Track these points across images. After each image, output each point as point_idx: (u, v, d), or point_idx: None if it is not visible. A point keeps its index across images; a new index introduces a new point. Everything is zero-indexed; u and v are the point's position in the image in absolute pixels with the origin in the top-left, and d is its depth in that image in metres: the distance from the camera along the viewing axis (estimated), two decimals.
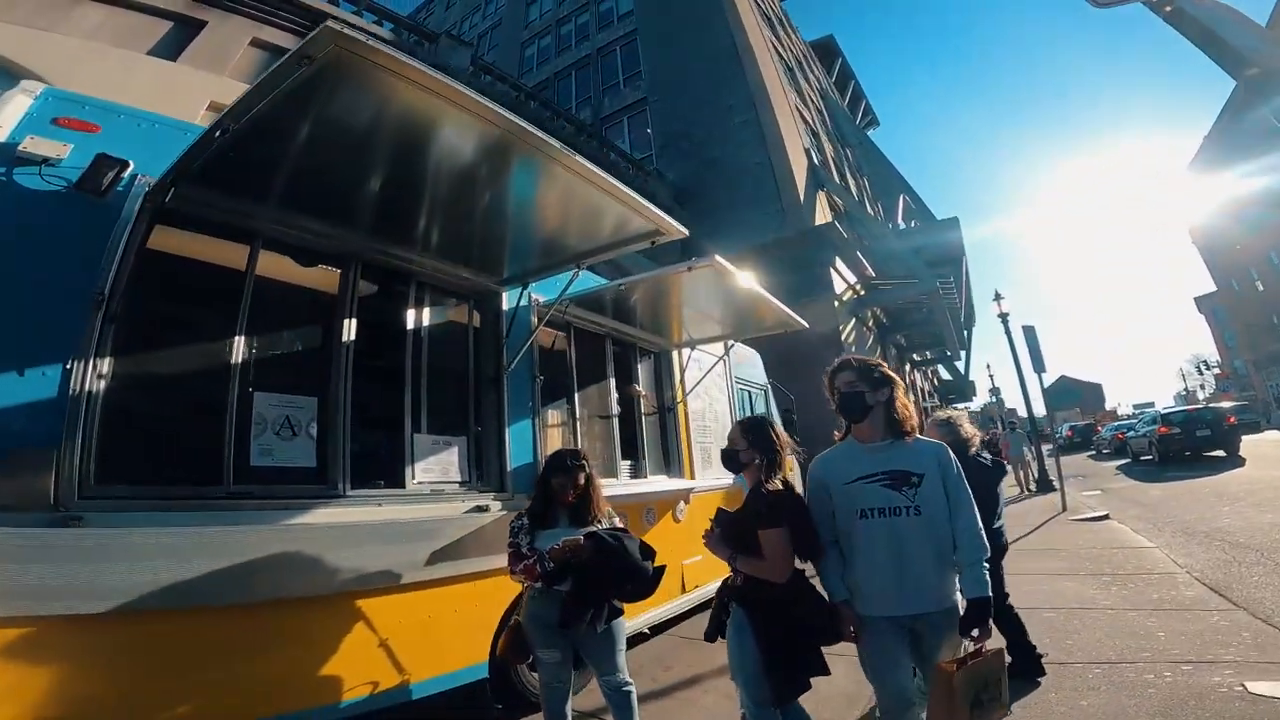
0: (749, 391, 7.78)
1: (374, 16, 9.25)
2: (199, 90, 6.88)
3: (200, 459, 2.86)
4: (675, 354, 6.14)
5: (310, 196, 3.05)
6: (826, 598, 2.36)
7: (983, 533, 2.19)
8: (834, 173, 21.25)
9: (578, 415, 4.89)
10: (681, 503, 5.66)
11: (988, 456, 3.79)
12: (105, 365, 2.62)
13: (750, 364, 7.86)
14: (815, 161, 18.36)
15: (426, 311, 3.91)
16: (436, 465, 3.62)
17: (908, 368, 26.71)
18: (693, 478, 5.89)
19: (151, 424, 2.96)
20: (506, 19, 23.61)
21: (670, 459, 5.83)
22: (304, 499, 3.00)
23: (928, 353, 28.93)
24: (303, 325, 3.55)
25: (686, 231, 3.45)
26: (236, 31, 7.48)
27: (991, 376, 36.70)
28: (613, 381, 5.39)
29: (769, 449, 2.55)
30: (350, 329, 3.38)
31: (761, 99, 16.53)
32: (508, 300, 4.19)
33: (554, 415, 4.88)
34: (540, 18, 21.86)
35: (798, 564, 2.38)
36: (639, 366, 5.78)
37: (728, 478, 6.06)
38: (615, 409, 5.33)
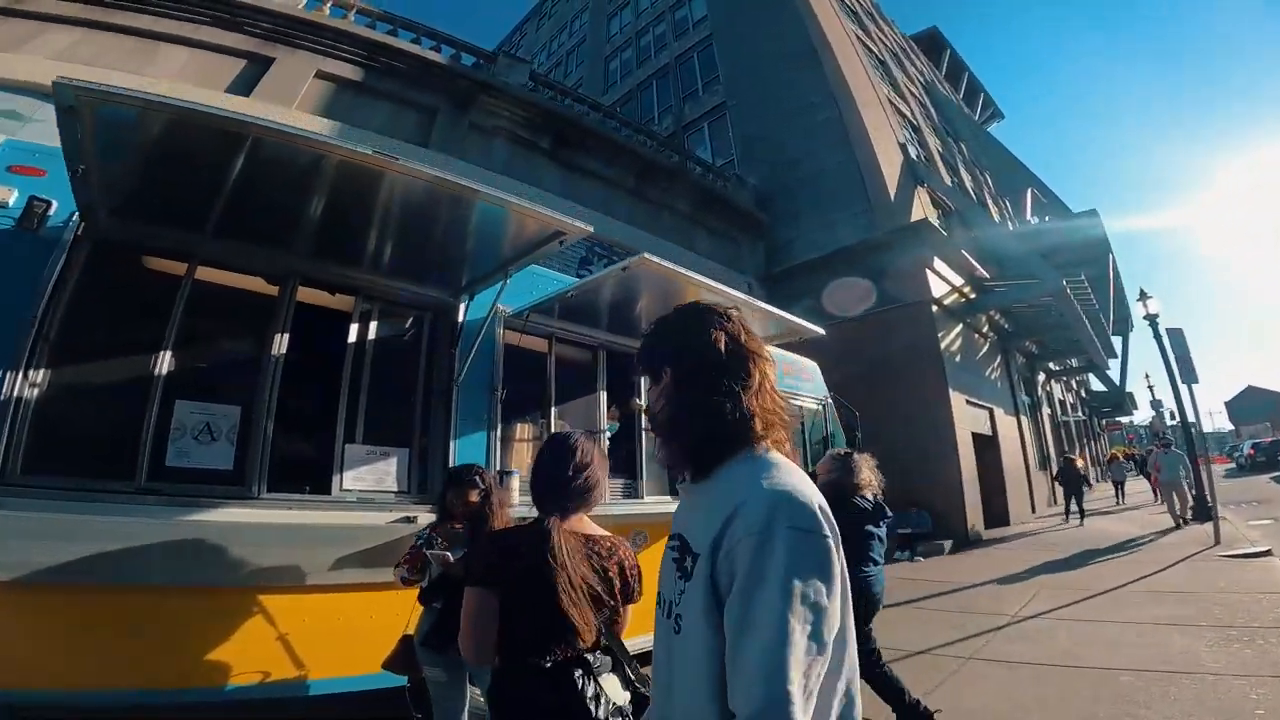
0: (801, 406, 7.03)
1: (431, 43, 9.69)
2: (263, 112, 7.53)
3: (120, 459, 3.06)
4: None
5: (241, 222, 3.30)
6: None
7: (778, 673, 0.95)
8: (940, 168, 19.24)
9: (554, 430, 4.55)
10: None
11: (869, 499, 3.57)
12: (39, 376, 2.96)
13: (802, 376, 7.12)
14: (913, 157, 16.65)
15: (373, 325, 3.93)
16: (370, 475, 3.62)
17: (1041, 379, 23.45)
18: None
19: (76, 427, 3.14)
20: (590, 36, 24.25)
21: (676, 480, 5.30)
22: (213, 498, 3.09)
23: (1070, 361, 25.23)
24: (237, 339, 3.71)
25: (589, 229, 3.29)
26: (302, 66, 8.13)
27: (1151, 388, 31.31)
28: (603, 395, 5.01)
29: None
30: (281, 343, 3.51)
31: (843, 94, 15.33)
32: (467, 311, 4.11)
33: (525, 429, 4.62)
34: (620, 31, 22.15)
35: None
36: (643, 380, 5.34)
37: None
38: (605, 424, 4.94)
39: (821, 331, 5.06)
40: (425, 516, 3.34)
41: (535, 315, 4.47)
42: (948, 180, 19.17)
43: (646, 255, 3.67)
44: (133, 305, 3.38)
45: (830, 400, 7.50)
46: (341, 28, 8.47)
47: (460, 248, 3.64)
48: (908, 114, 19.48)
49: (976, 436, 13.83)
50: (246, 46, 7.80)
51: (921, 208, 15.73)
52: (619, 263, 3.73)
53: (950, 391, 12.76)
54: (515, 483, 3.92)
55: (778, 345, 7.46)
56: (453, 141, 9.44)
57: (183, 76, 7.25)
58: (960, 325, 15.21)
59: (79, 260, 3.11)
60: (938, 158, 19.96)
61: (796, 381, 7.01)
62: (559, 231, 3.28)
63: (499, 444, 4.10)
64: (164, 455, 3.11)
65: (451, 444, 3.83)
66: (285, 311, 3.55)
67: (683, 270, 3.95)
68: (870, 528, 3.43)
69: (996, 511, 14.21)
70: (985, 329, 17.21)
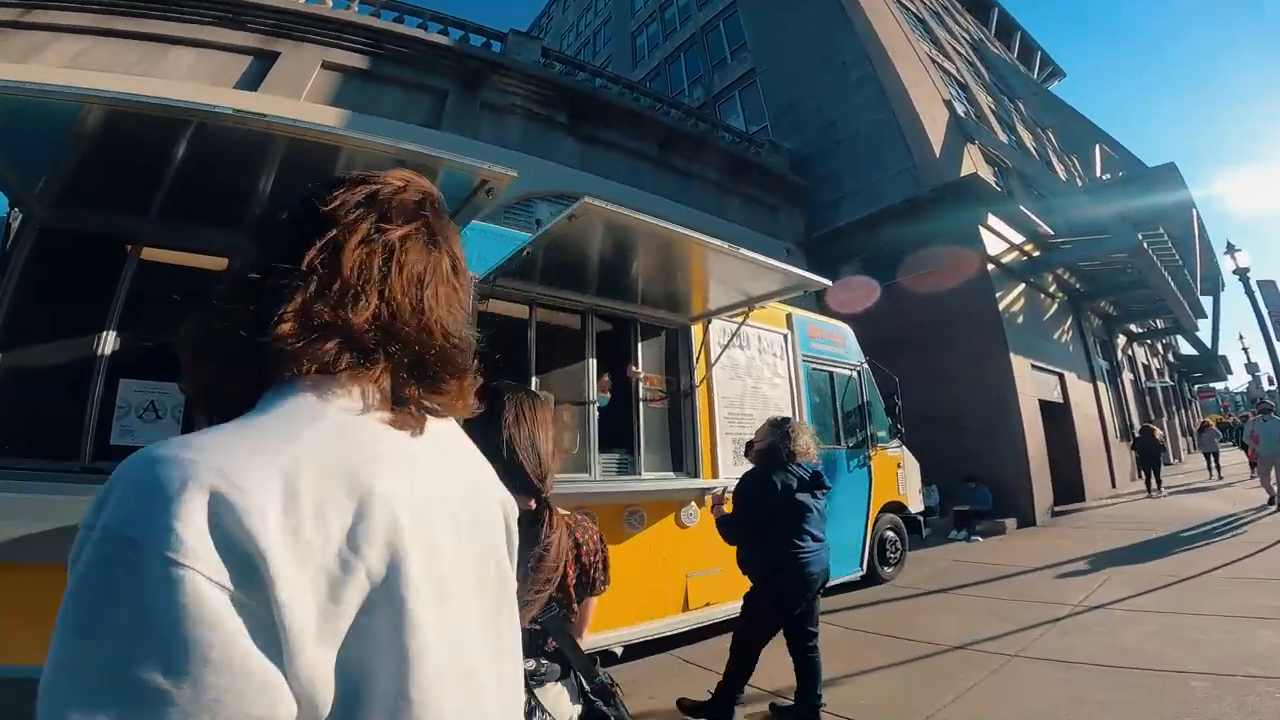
0: (830, 373, 6.43)
1: (439, 26, 9.51)
2: (273, 107, 7.54)
3: (66, 439, 3.00)
4: (697, 329, 5.18)
5: (185, 203, 3.22)
6: None
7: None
8: (994, 126, 17.79)
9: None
10: (693, 505, 4.73)
11: (804, 468, 3.27)
12: None
13: (833, 340, 6.51)
14: (960, 114, 15.39)
15: None
16: None
17: (1122, 342, 21.41)
18: (714, 476, 4.90)
19: (21, 408, 3.05)
20: (615, 14, 23.71)
21: (683, 454, 4.91)
22: None
23: (1154, 322, 22.91)
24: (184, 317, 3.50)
25: (512, 173, 2.94)
26: (308, 58, 8.12)
27: (1246, 350, 28.05)
28: (592, 363, 4.65)
29: None
30: None
31: (876, 52, 14.30)
32: None
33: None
34: (645, 5, 21.52)
35: None
36: (640, 345, 4.95)
37: None
38: (593, 394, 4.58)
39: (827, 283, 4.51)
40: None
41: (511, 281, 4.16)
42: (1002, 137, 17.64)
43: (589, 199, 3.27)
44: (77, 287, 3.28)
45: (866, 366, 6.87)
46: (345, 18, 8.39)
47: None
48: (953, 71, 18.09)
49: (1045, 404, 12.66)
50: (251, 43, 7.83)
51: (972, 164, 14.51)
52: (565, 211, 3.33)
53: (1011, 355, 11.71)
54: None
55: (817, 312, 6.93)
56: (465, 122, 9.26)
57: (191, 76, 7.34)
58: (1022, 285, 13.95)
59: (23, 246, 3.07)
60: (990, 115, 18.46)
61: (827, 346, 6.42)
62: (485, 180, 2.93)
63: None
64: (109, 434, 3.05)
65: None
66: None
67: (634, 214, 3.54)
68: (805, 498, 3.13)
69: (1069, 486, 13.03)
70: (1053, 288, 15.77)
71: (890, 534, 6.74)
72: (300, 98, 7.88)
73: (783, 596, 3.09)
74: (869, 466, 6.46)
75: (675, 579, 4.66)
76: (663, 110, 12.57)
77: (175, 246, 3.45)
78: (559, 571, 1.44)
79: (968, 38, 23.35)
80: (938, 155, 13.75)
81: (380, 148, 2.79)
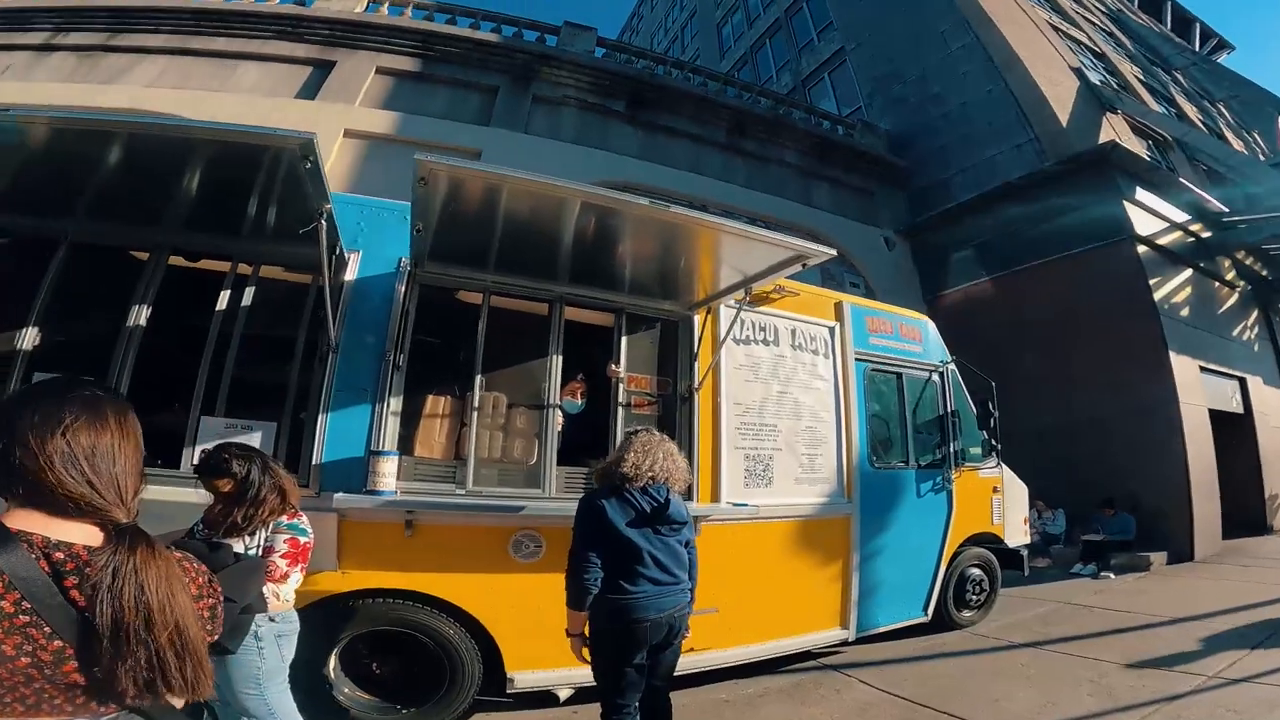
0: (899, 375, 5.10)
1: (491, 25, 9.26)
2: (336, 121, 7.65)
3: None
4: (700, 319, 4.20)
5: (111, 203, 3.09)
6: None
7: None
8: (1142, 96, 14.76)
9: (476, 403, 3.53)
10: None
11: (653, 496, 2.43)
12: None
13: (901, 334, 5.16)
14: (1094, 81, 12.80)
15: (250, 291, 3.35)
16: None
17: None
18: (714, 499, 3.92)
19: None
20: (699, 6, 22.67)
21: None
22: None
23: None
24: (105, 310, 3.28)
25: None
26: (362, 64, 8.16)
27: None
28: (556, 359, 3.80)
29: None
30: (140, 314, 3.19)
31: (978, 18, 12.26)
32: (358, 269, 3.43)
33: (439, 403, 3.62)
34: None
35: None
36: (626, 340, 4.07)
37: (799, 498, 4.23)
38: (554, 396, 3.76)
39: (832, 253, 3.32)
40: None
41: (461, 269, 3.63)
42: (1155, 107, 14.44)
43: (420, 155, 2.51)
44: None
45: (953, 368, 5.40)
46: (396, 24, 8.37)
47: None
48: (1085, 39, 15.28)
49: (1217, 415, 9.96)
50: (310, 54, 7.98)
51: (1113, 134, 11.89)
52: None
53: (1171, 355, 9.27)
54: (388, 465, 2.98)
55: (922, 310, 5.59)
56: (516, 116, 8.89)
57: (257, 90, 7.59)
58: (1188, 272, 11.15)
59: None
60: (1138, 85, 15.29)
61: (895, 342, 5.06)
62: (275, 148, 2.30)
63: (391, 419, 3.24)
64: None
65: (322, 418, 3.14)
66: (147, 284, 3.24)
67: (514, 173, 2.76)
68: (635, 535, 2.35)
69: (1247, 514, 10.34)
70: (1231, 276, 12.54)
71: (976, 571, 5.21)
72: (355, 103, 7.91)
73: (609, 642, 2.36)
74: (949, 490, 5.00)
75: None
76: (732, 93, 11.47)
77: (100, 242, 3.31)
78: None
79: (1103, 8, 19.97)
80: (1064, 125, 11.41)
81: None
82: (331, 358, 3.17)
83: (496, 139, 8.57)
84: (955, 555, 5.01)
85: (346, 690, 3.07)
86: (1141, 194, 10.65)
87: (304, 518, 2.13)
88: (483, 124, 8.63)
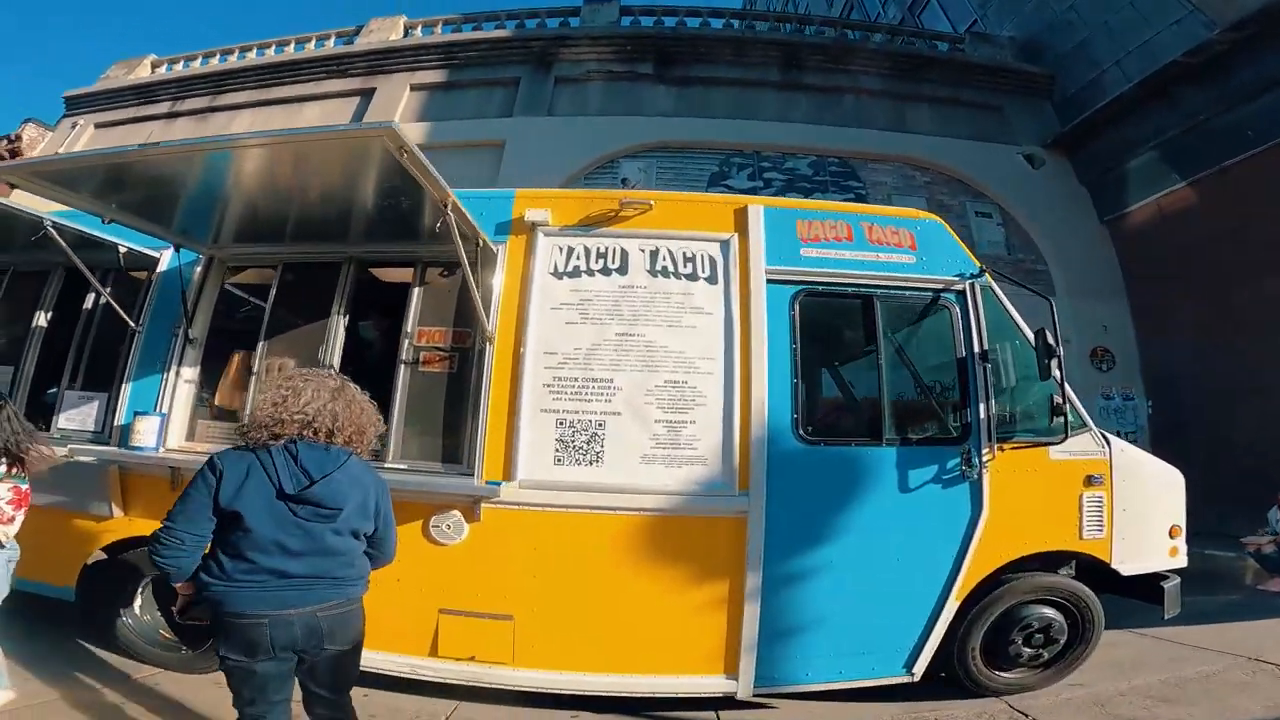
0: (869, 298, 2.99)
1: (515, 22, 8.80)
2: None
3: None
4: (507, 252, 3.02)
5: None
6: None
7: None
8: None
9: (258, 369, 3.17)
10: (456, 515, 2.72)
11: (294, 458, 1.69)
12: None
13: (861, 240, 3.13)
14: None
15: (111, 276, 3.51)
16: (78, 416, 3.41)
17: None
18: (506, 476, 2.74)
19: None
20: None
21: (462, 440, 2.87)
22: None
23: None
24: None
25: None
26: (397, 86, 8.31)
27: None
28: (337, 320, 3.09)
29: None
30: (48, 303, 3.62)
31: None
32: (168, 261, 3.45)
33: (235, 371, 3.28)
34: None
35: None
36: (419, 292, 3.09)
37: (648, 483, 2.74)
38: (333, 356, 2.98)
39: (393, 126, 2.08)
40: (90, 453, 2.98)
41: (249, 246, 3.36)
42: None
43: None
44: None
45: (982, 286, 3.11)
46: (421, 42, 8.42)
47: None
48: None
49: None
50: (354, 86, 8.38)
51: None
52: None
53: None
54: (144, 424, 2.97)
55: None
56: (539, 102, 8.29)
57: (320, 124, 8.21)
58: None
59: None
60: None
61: (853, 251, 3.04)
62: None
63: (184, 386, 3.24)
64: None
65: (124, 387, 3.26)
66: (53, 278, 3.63)
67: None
68: (250, 511, 1.58)
69: None
70: None
71: (1044, 612, 2.87)
72: (393, 121, 8.10)
73: (220, 637, 1.65)
74: (975, 481, 2.81)
75: (420, 611, 2.67)
76: (780, 28, 9.38)
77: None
78: None
79: None
80: None
81: None
82: (137, 338, 3.29)
83: (519, 127, 8.08)
84: (994, 585, 2.83)
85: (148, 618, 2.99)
86: None
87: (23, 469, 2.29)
88: (506, 116, 8.20)
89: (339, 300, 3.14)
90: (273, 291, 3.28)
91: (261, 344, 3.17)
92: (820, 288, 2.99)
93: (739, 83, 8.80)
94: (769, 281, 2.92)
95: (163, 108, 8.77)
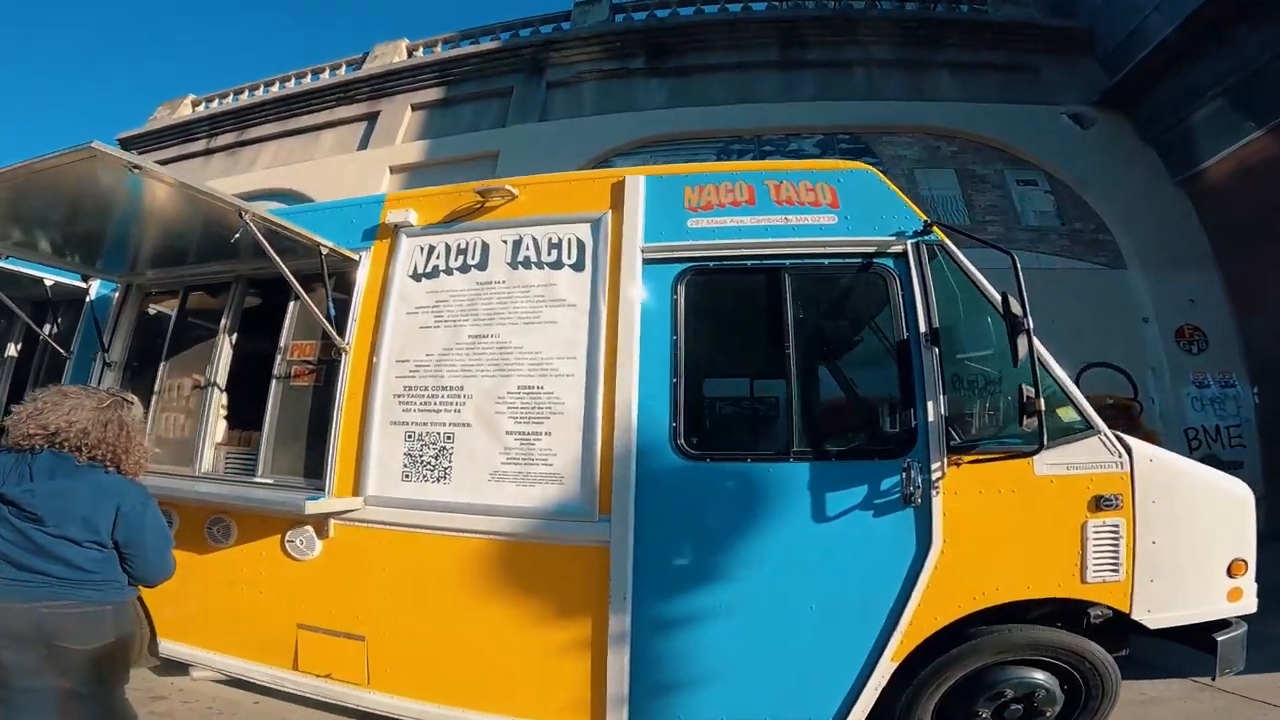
0: (777, 270, 2.40)
1: (509, 34, 8.67)
2: (383, 161, 8.05)
3: None
4: (370, 259, 2.76)
5: None
6: None
7: None
8: None
9: (159, 389, 3.17)
10: (309, 531, 2.52)
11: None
12: None
13: (766, 202, 2.49)
14: None
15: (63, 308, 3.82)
16: None
17: None
18: (355, 492, 2.50)
19: None
20: None
21: (319, 455, 2.64)
22: None
23: None
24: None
25: None
26: (399, 107, 8.38)
27: None
28: (225, 338, 3.03)
29: None
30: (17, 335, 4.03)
31: None
32: (96, 290, 3.59)
33: (146, 387, 3.25)
34: None
35: None
36: (294, 307, 2.90)
37: (500, 502, 2.37)
38: (218, 374, 2.91)
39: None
40: None
41: (167, 270, 3.32)
42: None
43: None
44: None
45: (930, 245, 2.38)
46: (417, 63, 8.48)
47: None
48: None
49: None
50: (361, 110, 8.56)
51: None
52: None
53: None
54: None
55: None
56: (531, 109, 8.11)
57: (333, 150, 8.48)
58: None
59: None
60: None
61: (757, 216, 2.43)
62: None
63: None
64: None
65: None
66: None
67: None
68: None
69: None
70: None
71: (1030, 676, 2.13)
72: (396, 141, 8.22)
73: None
74: (921, 506, 2.13)
75: (282, 624, 2.52)
76: (789, 6, 8.63)
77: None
78: None
79: None
80: None
81: None
82: (68, 365, 3.42)
83: (512, 136, 7.93)
84: (959, 637, 2.15)
85: None
86: None
87: None
88: (501, 126, 8.09)
89: (227, 318, 3.04)
90: (174, 314, 3.29)
91: (163, 364, 3.14)
92: (711, 265, 2.46)
93: (736, 67, 8.20)
94: (647, 262, 2.45)
95: (200, 145, 9.48)
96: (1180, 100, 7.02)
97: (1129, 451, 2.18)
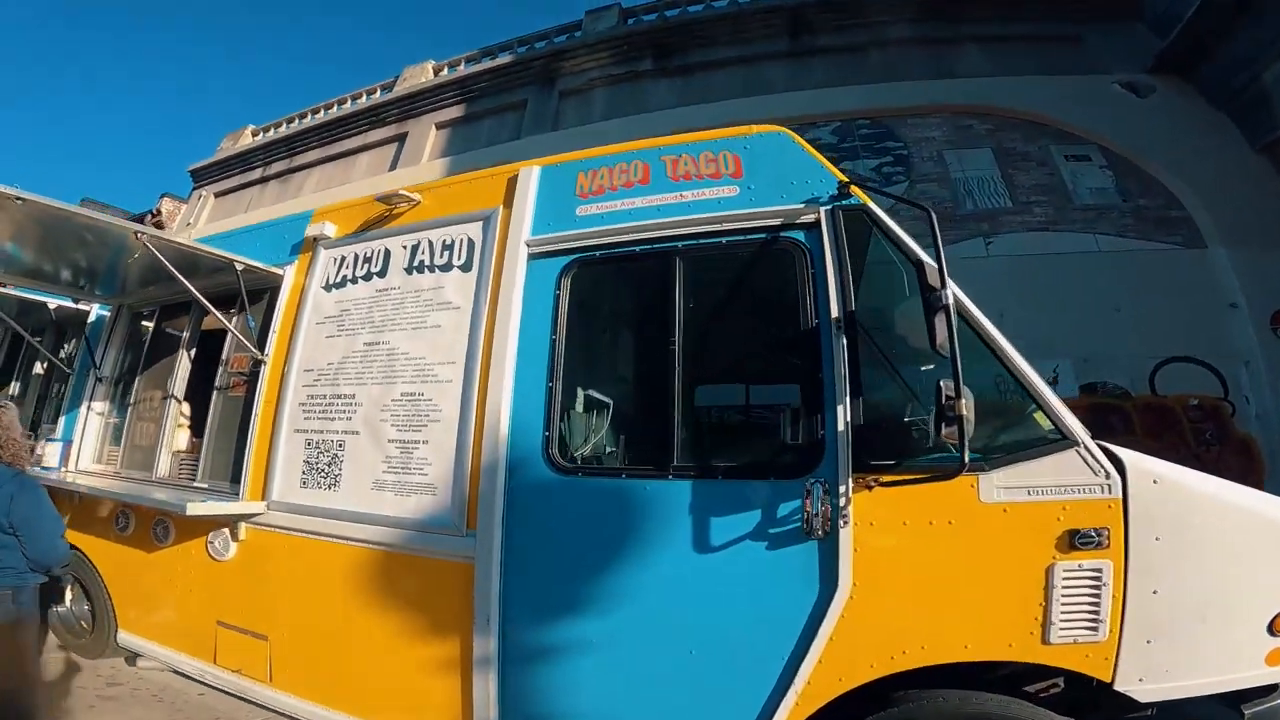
0: (669, 254, 2.11)
1: (525, 48, 8.74)
2: (409, 181, 8.41)
3: None
4: (293, 274, 2.83)
5: None
6: None
7: None
8: None
9: (134, 400, 3.46)
10: (225, 534, 2.63)
11: None
12: None
13: (661, 180, 2.21)
14: None
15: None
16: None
17: None
18: (262, 496, 2.56)
19: None
20: None
21: (240, 461, 2.73)
22: None
23: None
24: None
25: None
26: (424, 127, 8.64)
27: None
28: (183, 355, 3.26)
29: None
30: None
31: None
32: (96, 312, 3.93)
33: (129, 401, 3.59)
34: None
35: None
36: (235, 319, 3.01)
37: (379, 512, 2.33)
38: (178, 388, 3.17)
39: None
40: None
41: (152, 290, 3.49)
42: None
43: None
44: None
45: (848, 211, 1.95)
46: (438, 82, 8.71)
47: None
48: None
49: None
50: (391, 132, 8.94)
51: None
52: None
53: None
54: (47, 449, 3.48)
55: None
56: (544, 119, 8.15)
57: (368, 173, 8.94)
58: None
59: None
60: None
61: (656, 195, 2.16)
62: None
63: (96, 418, 3.57)
64: None
65: (59, 422, 3.70)
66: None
67: None
68: None
69: None
70: None
71: None
72: (422, 161, 8.54)
73: None
74: (826, 538, 1.74)
75: (205, 620, 2.69)
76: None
77: None
78: None
79: None
80: None
81: None
82: (69, 381, 3.77)
83: (526, 148, 7.94)
84: (882, 701, 1.72)
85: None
86: None
87: None
88: (516, 139, 8.19)
89: (187, 334, 3.26)
90: (149, 332, 3.53)
91: (139, 378, 3.40)
92: (597, 255, 2.22)
93: (744, 60, 7.82)
94: (532, 257, 2.28)
95: (257, 173, 10.32)
96: (1247, 59, 5.90)
97: (1120, 470, 1.63)
